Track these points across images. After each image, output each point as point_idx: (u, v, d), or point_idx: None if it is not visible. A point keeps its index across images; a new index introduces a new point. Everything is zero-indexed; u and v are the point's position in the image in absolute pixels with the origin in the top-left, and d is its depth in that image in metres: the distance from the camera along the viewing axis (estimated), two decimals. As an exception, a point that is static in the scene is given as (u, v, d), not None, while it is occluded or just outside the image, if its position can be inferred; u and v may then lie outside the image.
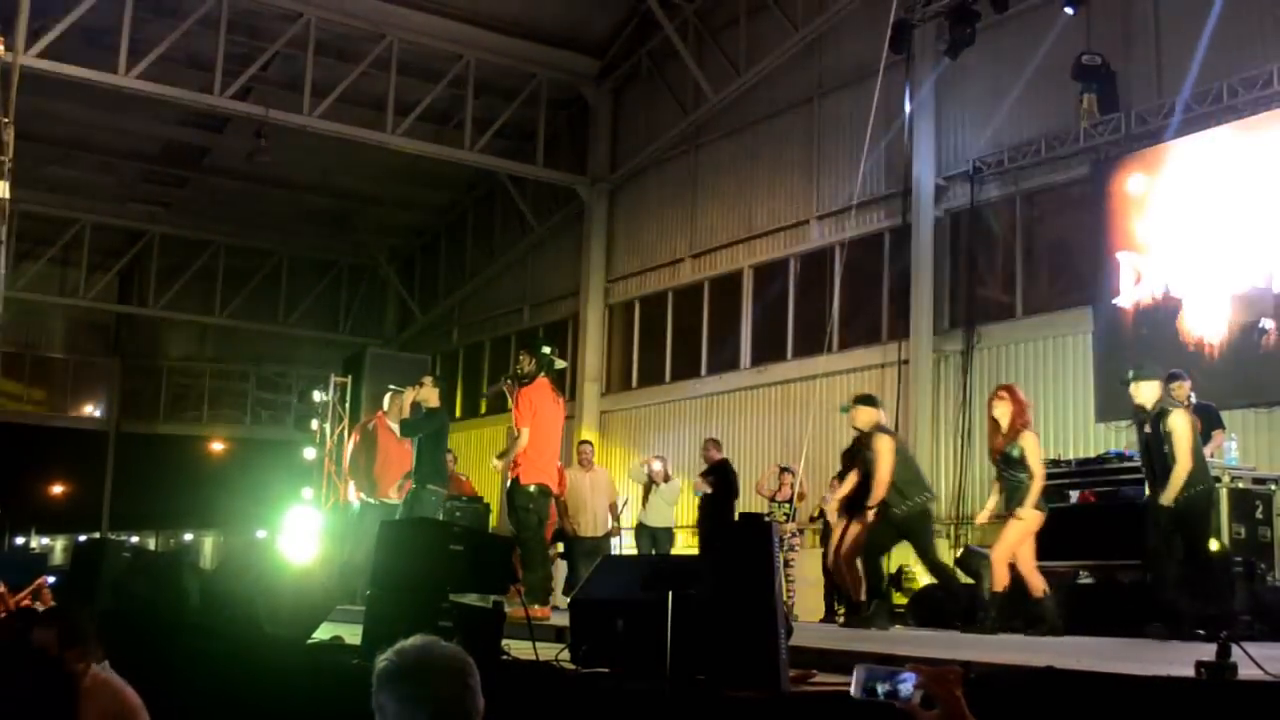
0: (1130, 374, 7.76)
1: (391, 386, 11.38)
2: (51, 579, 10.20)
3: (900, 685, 2.41)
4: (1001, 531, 8.05)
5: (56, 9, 15.78)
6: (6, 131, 13.81)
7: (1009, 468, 8.04)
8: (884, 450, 8.56)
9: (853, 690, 2.48)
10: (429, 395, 10.44)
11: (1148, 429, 7.52)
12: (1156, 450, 7.46)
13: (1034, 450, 8.01)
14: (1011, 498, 8.01)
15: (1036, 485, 7.92)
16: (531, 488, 8.53)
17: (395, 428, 11.12)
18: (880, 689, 2.43)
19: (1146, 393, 7.59)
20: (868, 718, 2.58)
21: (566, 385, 19.22)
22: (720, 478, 12.41)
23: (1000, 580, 7.86)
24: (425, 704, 2.34)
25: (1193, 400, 9.44)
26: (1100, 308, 12.29)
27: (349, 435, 12.47)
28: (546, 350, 8.88)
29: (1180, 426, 7.36)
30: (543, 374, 8.77)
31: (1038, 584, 7.85)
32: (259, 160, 18.12)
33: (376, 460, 11.10)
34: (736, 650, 4.19)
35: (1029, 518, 7.88)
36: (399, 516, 9.95)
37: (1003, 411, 8.13)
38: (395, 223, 24.48)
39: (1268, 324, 10.74)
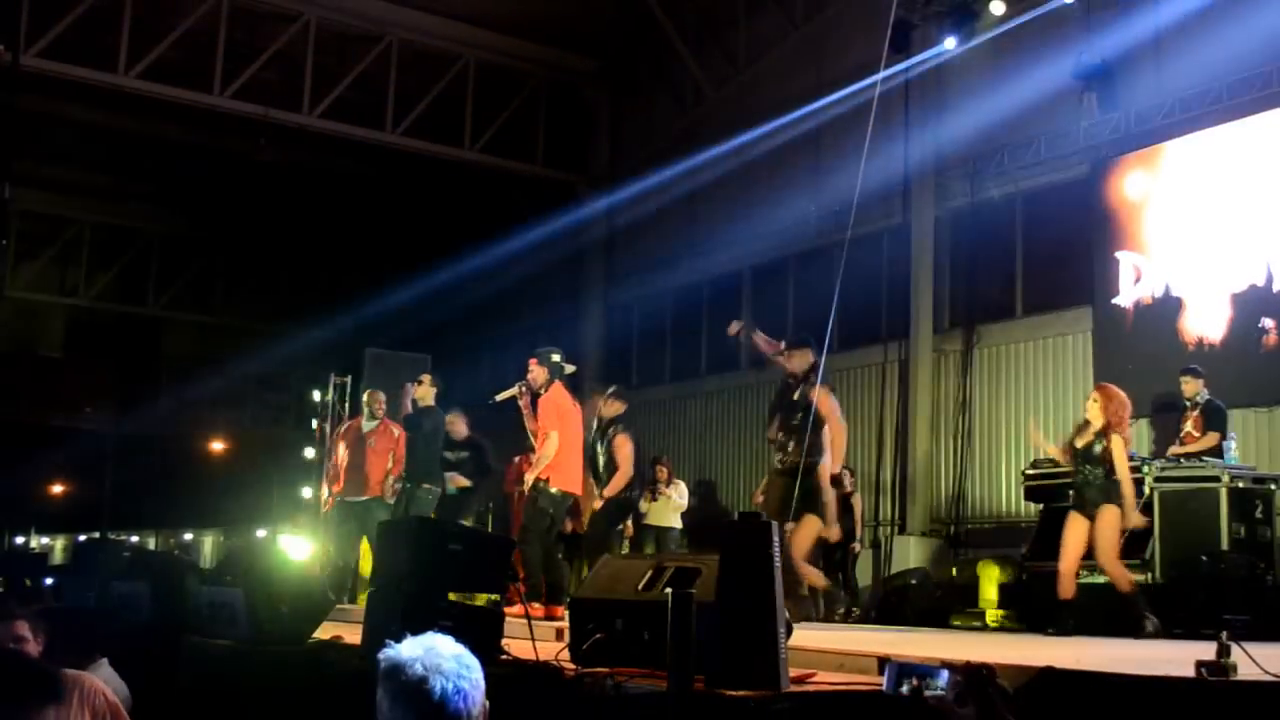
0: (789, 339, 8.51)
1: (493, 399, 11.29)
2: (49, 579, 10.23)
3: (934, 682, 2.42)
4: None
5: (56, 9, 15.77)
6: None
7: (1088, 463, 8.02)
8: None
9: (885, 686, 2.49)
10: (424, 394, 10.47)
11: (795, 395, 8.12)
12: (789, 411, 8.07)
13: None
14: (1082, 494, 8.00)
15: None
16: (556, 491, 8.47)
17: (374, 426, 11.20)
18: (913, 686, 2.44)
19: (798, 362, 8.23)
20: (902, 714, 2.59)
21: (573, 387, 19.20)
22: (475, 461, 11.41)
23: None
24: (426, 702, 2.34)
25: (1202, 399, 9.42)
26: (1100, 307, 12.30)
27: (333, 435, 12.53)
28: (556, 358, 8.78)
29: (823, 400, 8.00)
30: (556, 380, 8.72)
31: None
32: (259, 159, 18.15)
33: (358, 460, 11.11)
34: (736, 650, 4.19)
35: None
36: (394, 516, 9.97)
37: (1095, 411, 8.06)
38: (394, 220, 24.49)
39: (1268, 323, 10.74)
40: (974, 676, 2.41)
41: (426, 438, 10.34)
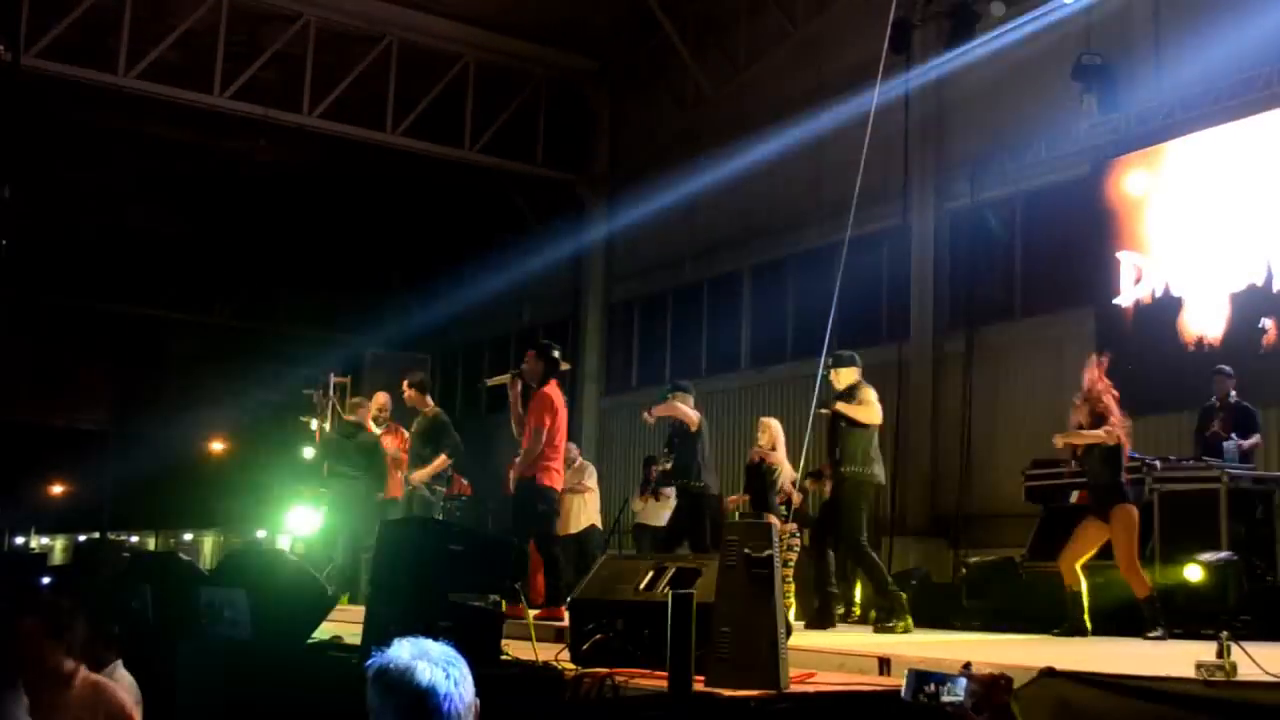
0: (830, 361, 8.42)
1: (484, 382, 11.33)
2: (46, 579, 10.22)
3: (952, 689, 2.44)
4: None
5: (57, 9, 15.78)
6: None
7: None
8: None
9: (903, 693, 2.50)
10: (416, 395, 10.47)
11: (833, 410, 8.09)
12: (834, 433, 8.07)
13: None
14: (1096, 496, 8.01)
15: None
16: (550, 490, 8.40)
17: (375, 428, 11.23)
18: (931, 692, 2.45)
19: (845, 378, 8.26)
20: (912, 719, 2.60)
21: (567, 386, 19.22)
22: None
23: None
24: (413, 692, 2.33)
25: (1233, 399, 9.40)
26: (1100, 307, 12.29)
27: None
28: (555, 354, 8.65)
29: (869, 398, 8.11)
30: (552, 376, 8.64)
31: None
32: (259, 159, 18.16)
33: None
34: (736, 650, 4.19)
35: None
36: (399, 515, 9.97)
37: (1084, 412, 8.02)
38: (395, 221, 24.49)
39: (1267, 323, 10.74)
40: (992, 685, 2.43)
41: (430, 440, 10.33)
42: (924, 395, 13.95)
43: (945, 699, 2.47)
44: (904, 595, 8.21)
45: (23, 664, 4.43)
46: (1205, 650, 4.19)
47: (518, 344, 21.68)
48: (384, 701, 2.34)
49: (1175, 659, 4.54)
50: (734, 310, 17.34)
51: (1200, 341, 11.32)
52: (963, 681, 2.46)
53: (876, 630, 7.86)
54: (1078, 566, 7.79)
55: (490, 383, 9.12)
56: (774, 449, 9.75)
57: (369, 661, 2.41)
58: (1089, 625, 7.66)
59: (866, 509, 8.36)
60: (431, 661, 2.36)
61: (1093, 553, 7.83)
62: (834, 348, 14.02)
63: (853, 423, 8.21)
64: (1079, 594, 7.72)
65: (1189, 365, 10.42)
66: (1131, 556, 7.62)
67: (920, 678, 2.52)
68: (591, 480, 12.64)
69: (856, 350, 14.67)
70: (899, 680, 4.70)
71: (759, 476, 9.98)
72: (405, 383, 10.78)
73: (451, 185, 22.08)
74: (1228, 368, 9.67)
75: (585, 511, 12.42)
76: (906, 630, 7.80)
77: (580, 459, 12.72)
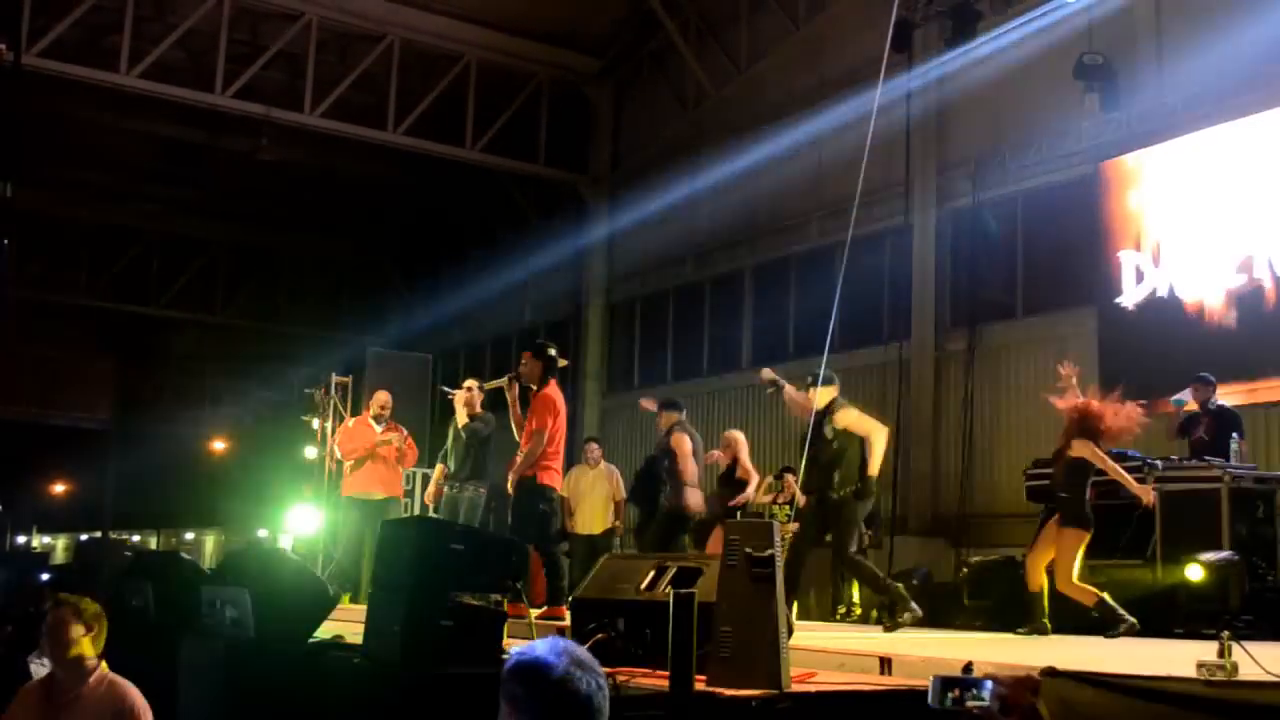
0: (809, 380, 8.23)
1: (444, 388, 11.28)
2: (45, 576, 10.24)
3: (977, 693, 2.43)
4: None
5: (59, 8, 15.79)
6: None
7: None
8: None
9: (930, 699, 2.49)
10: (473, 399, 10.44)
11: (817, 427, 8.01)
12: (818, 447, 8.01)
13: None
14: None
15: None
16: (550, 489, 8.32)
17: (376, 426, 11.23)
18: (957, 697, 2.45)
19: (824, 396, 8.07)
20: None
21: (568, 385, 19.22)
22: None
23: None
24: (573, 700, 2.34)
25: (1213, 405, 9.43)
26: (1102, 307, 12.28)
27: (332, 433, 12.54)
28: (552, 352, 8.53)
29: (851, 419, 8.01)
30: (551, 376, 8.53)
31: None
32: (260, 159, 18.15)
33: (374, 459, 11.13)
34: (737, 650, 4.19)
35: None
36: (441, 515, 9.97)
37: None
38: (396, 220, 24.50)
39: (1265, 282, 10.77)
40: (1018, 687, 2.42)
41: (481, 440, 10.30)
42: (925, 395, 13.95)
43: (971, 704, 2.45)
44: (900, 586, 8.19)
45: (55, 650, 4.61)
46: (1206, 650, 4.19)
47: (519, 343, 21.65)
48: (533, 703, 2.32)
49: (1176, 659, 4.54)
50: (735, 310, 17.34)
51: (1203, 341, 11.30)
52: (989, 685, 2.45)
53: (887, 629, 7.83)
54: (1043, 567, 7.81)
55: (486, 386, 9.04)
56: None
57: (512, 653, 2.39)
58: (1049, 625, 7.69)
59: (859, 524, 8.39)
60: (587, 667, 2.38)
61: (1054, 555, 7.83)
62: (835, 347, 13.97)
63: (843, 442, 8.13)
64: (1041, 594, 7.77)
65: (1190, 366, 10.40)
66: (1068, 575, 7.65)
67: (945, 683, 2.51)
68: (615, 483, 12.55)
69: (858, 351, 14.86)
70: (900, 680, 4.71)
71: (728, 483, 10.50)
72: (470, 384, 10.72)
73: (453, 184, 22.08)
74: (1207, 375, 9.70)
75: (602, 514, 12.37)
76: (916, 619, 7.74)
77: (604, 463, 12.66)
